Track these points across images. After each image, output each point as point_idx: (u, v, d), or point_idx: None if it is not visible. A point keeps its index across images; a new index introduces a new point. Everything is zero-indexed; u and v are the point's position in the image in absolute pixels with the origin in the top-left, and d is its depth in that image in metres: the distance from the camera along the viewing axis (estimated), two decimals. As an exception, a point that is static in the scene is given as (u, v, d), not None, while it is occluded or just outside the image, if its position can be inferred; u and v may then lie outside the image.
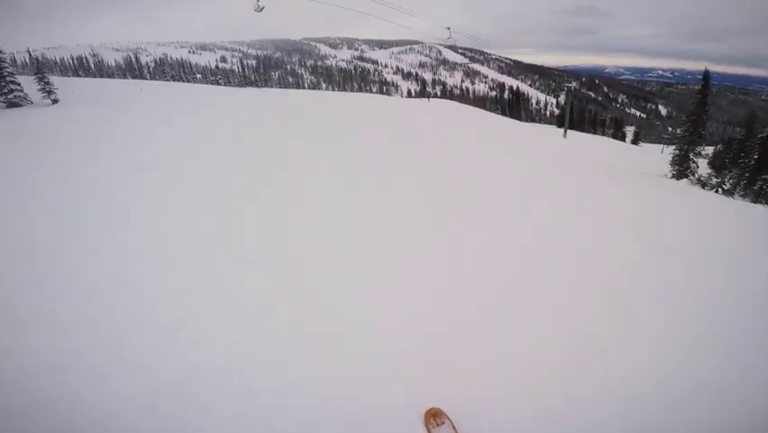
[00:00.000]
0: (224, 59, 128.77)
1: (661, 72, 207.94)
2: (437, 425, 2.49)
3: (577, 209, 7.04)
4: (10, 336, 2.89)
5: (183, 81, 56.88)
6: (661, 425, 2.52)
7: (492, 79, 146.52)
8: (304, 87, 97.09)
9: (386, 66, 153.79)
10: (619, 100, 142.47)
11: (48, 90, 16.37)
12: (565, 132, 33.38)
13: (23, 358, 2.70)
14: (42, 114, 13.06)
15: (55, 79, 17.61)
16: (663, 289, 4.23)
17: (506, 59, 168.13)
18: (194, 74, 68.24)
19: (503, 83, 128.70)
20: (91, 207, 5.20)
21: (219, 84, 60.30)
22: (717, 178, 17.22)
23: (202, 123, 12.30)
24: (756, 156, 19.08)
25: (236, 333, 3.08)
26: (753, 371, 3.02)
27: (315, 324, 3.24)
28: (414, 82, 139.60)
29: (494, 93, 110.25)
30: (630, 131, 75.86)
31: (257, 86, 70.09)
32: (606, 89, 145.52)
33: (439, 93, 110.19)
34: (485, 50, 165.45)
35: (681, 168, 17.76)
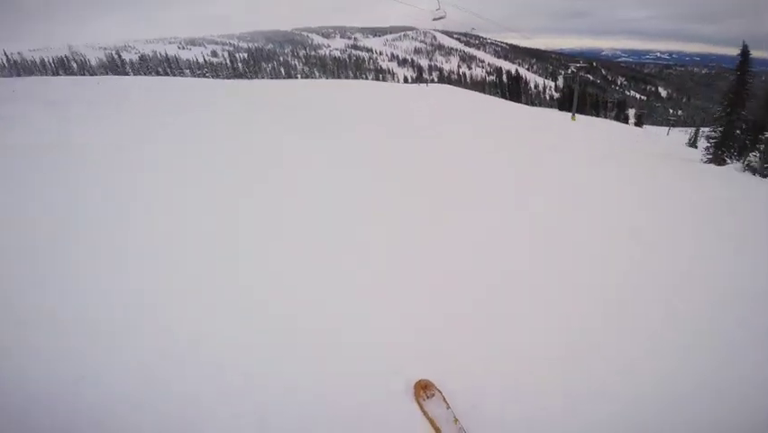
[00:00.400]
0: (214, 54, 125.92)
1: (659, 54, 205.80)
2: (427, 397, 2.46)
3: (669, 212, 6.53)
4: (10, 336, 2.84)
5: (169, 76, 54.71)
6: (660, 425, 2.47)
7: (489, 64, 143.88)
8: (296, 78, 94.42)
9: (380, 53, 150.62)
10: (618, 83, 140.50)
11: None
12: (573, 114, 31.47)
13: (23, 358, 2.67)
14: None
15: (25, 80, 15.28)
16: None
17: (502, 42, 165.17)
18: (181, 69, 65.97)
19: (500, 67, 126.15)
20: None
21: (206, 77, 58.00)
22: None
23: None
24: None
25: (231, 331, 3.04)
26: (753, 370, 2.92)
27: (309, 320, 3.20)
28: (410, 69, 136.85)
29: (492, 77, 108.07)
30: (631, 113, 74.95)
31: (247, 78, 67.99)
32: (604, 72, 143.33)
33: (436, 79, 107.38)
34: (480, 35, 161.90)
35: (719, 152, 16.03)
